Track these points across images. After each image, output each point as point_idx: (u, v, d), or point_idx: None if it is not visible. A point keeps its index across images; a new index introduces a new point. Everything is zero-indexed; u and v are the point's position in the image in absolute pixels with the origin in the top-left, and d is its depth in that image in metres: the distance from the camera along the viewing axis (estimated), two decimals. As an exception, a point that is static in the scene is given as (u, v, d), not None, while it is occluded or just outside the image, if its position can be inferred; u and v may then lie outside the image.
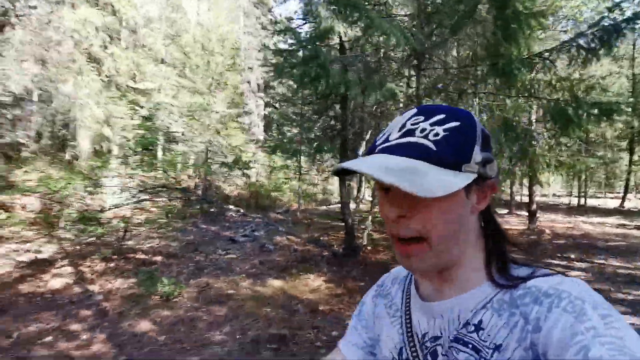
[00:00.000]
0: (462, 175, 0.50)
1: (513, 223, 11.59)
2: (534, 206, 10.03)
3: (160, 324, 4.22)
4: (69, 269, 6.19)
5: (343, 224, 7.54)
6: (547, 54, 4.96)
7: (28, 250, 7.15)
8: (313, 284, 5.68)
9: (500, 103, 5.84)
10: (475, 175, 0.52)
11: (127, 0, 13.67)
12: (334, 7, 4.80)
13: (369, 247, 7.59)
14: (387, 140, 0.54)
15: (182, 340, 3.80)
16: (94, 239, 7.38)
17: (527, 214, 11.02)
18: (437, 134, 0.51)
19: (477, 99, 5.18)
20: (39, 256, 6.86)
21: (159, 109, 11.10)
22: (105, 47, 12.96)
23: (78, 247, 7.28)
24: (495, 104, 5.82)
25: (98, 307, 4.72)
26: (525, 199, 13.85)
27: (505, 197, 13.62)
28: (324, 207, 15.85)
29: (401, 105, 6.99)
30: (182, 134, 12.51)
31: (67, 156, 10.83)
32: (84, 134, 10.44)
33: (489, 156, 0.54)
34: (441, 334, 0.57)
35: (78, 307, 4.68)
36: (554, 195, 28.88)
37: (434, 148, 0.50)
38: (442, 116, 0.53)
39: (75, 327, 4.15)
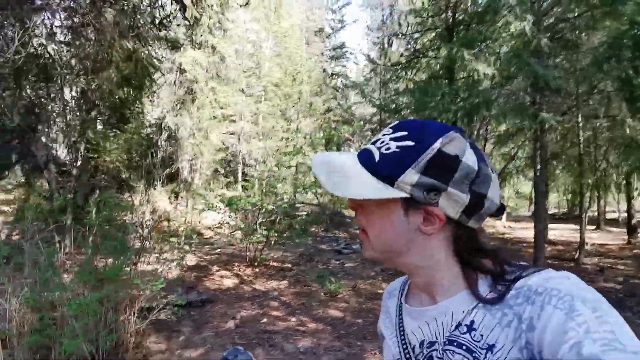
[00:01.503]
0: (389, 190, 0.54)
1: (607, 239, 11.58)
2: (634, 220, 10.09)
3: (345, 310, 5.11)
4: (227, 273, 7.30)
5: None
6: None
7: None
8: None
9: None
10: (404, 194, 0.53)
11: (224, 40, 15.56)
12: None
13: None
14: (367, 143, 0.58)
15: (370, 322, 4.64)
16: (230, 250, 8.55)
17: (619, 229, 11.00)
18: (388, 148, 0.55)
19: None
20: (189, 263, 8.06)
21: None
22: (207, 82, 14.79)
23: (214, 257, 8.46)
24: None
25: (279, 300, 5.68)
26: (611, 215, 13.64)
27: (592, 213, 13.53)
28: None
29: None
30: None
31: (197, 180, 12.40)
32: (207, 158, 11.99)
33: (433, 183, 0.53)
34: (436, 338, 0.57)
35: (265, 299, 5.67)
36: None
37: (377, 159, 0.55)
38: (403, 134, 0.56)
39: (276, 313, 5.11)
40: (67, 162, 8.42)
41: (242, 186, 9.84)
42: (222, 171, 16.73)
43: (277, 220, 7.78)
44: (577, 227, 9.18)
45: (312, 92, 16.59)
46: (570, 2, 6.08)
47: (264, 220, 7.67)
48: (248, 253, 7.74)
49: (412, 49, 9.40)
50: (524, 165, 11.57)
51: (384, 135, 0.58)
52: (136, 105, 8.85)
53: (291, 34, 20.80)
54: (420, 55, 8.85)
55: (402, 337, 0.63)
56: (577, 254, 8.38)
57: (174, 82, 12.81)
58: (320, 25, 24.62)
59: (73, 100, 8.15)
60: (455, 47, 6.21)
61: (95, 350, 3.14)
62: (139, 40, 6.55)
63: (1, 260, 3.39)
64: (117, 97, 7.03)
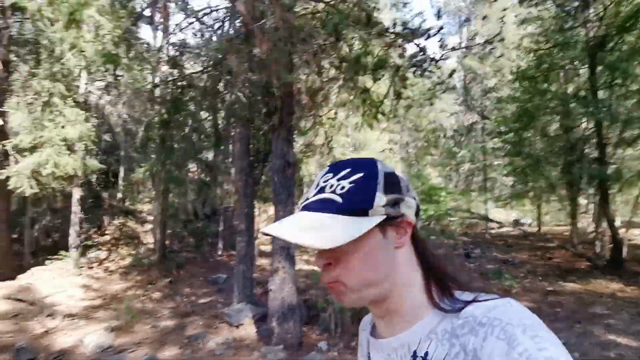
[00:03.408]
0: (368, 220, 0.55)
1: None
2: None
3: (540, 301, 6.17)
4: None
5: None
6: None
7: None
8: (608, 287, 7.11)
9: None
10: (383, 217, 0.56)
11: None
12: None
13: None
14: (307, 199, 0.61)
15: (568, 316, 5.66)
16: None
17: None
18: (343, 187, 0.57)
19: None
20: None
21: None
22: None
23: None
24: None
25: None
26: None
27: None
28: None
29: None
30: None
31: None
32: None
33: (396, 197, 0.57)
34: None
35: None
36: None
37: (340, 200, 0.56)
38: (347, 170, 0.59)
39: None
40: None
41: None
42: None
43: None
44: None
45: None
46: None
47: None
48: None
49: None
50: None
51: (325, 181, 0.59)
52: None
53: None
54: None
55: None
56: None
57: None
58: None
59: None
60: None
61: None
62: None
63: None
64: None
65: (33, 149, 7.39)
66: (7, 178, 7.11)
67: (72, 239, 9.11)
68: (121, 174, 13.84)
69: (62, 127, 7.60)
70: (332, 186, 0.58)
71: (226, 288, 8.26)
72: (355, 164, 0.59)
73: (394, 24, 5.04)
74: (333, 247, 0.52)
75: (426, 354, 0.55)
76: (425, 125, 17.41)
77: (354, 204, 0.55)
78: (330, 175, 0.60)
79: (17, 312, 6.21)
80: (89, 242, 11.01)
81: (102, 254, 11.13)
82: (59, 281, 8.07)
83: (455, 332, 0.53)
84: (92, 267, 9.67)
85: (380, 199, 0.56)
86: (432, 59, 4.91)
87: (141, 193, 13.58)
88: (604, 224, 9.69)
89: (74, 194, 8.97)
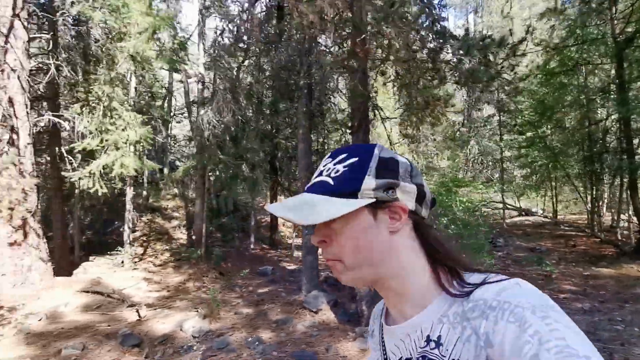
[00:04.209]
0: (355, 201, 0.57)
1: None
2: None
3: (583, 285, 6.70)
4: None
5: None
6: None
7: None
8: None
9: None
10: (372, 200, 0.58)
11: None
12: None
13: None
14: (310, 181, 0.65)
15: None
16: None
17: None
18: (337, 171, 0.60)
19: None
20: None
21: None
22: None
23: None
24: None
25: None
26: None
27: None
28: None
29: None
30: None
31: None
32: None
33: (389, 182, 0.59)
34: (411, 354, 0.60)
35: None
36: None
37: (332, 183, 0.59)
38: (344, 155, 0.62)
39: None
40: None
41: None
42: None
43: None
44: None
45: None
46: None
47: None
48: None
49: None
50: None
51: (324, 166, 0.63)
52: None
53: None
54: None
55: (385, 356, 0.67)
56: None
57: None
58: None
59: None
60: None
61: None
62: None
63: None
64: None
65: (97, 151, 7.83)
66: (63, 180, 7.54)
67: (126, 235, 9.56)
68: (165, 171, 14.31)
69: (123, 129, 8.02)
70: (328, 170, 0.62)
71: (277, 279, 8.77)
72: (354, 150, 0.63)
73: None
74: (316, 224, 0.57)
75: (439, 337, 0.56)
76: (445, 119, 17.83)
77: (343, 186, 0.58)
78: (330, 160, 0.63)
79: (99, 304, 6.68)
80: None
81: (139, 250, 11.61)
82: (120, 274, 8.55)
83: (466, 316, 0.54)
84: (138, 262, 10.16)
85: (370, 182, 0.58)
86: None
87: (186, 190, 13.99)
88: (628, 213, 10.22)
89: (128, 192, 9.41)
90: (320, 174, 0.63)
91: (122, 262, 9.31)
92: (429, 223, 0.64)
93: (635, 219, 9.71)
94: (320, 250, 5.11)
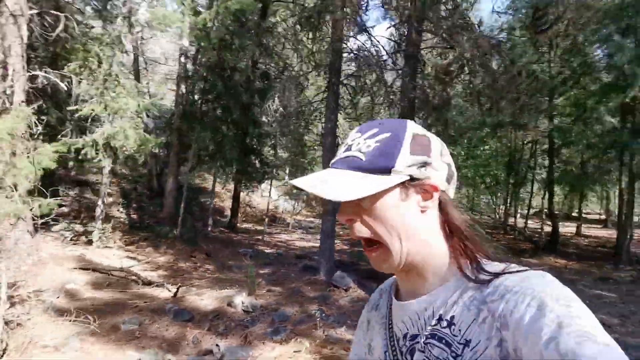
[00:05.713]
0: (389, 179, 0.56)
1: None
2: None
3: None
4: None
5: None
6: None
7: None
8: None
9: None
10: (406, 177, 0.56)
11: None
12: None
13: None
14: (335, 156, 0.62)
15: None
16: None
17: None
18: (369, 146, 0.58)
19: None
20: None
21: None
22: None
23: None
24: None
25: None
26: None
27: None
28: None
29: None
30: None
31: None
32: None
33: (423, 159, 0.57)
34: (419, 331, 0.60)
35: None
36: None
37: (363, 159, 0.57)
38: (375, 130, 0.59)
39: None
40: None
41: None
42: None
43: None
44: None
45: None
46: None
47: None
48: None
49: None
50: None
51: (353, 140, 0.60)
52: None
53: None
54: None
55: (390, 331, 0.66)
56: None
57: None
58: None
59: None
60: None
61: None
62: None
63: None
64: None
65: (98, 119, 7.16)
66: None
67: (99, 210, 8.76)
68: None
69: (123, 97, 7.45)
70: (358, 144, 0.59)
71: (272, 262, 9.04)
72: (385, 124, 0.60)
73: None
74: (348, 200, 0.54)
75: (452, 317, 0.56)
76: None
77: (376, 162, 0.56)
78: (359, 134, 0.61)
79: (106, 281, 6.24)
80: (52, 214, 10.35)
81: (77, 227, 10.59)
82: (99, 252, 7.89)
83: (484, 300, 0.53)
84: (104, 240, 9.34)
85: (405, 159, 0.57)
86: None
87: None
88: (542, 216, 12.88)
89: (105, 166, 8.59)
90: (349, 148, 0.60)
91: (91, 240, 8.51)
92: (455, 204, 0.62)
93: (548, 220, 12.38)
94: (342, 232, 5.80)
